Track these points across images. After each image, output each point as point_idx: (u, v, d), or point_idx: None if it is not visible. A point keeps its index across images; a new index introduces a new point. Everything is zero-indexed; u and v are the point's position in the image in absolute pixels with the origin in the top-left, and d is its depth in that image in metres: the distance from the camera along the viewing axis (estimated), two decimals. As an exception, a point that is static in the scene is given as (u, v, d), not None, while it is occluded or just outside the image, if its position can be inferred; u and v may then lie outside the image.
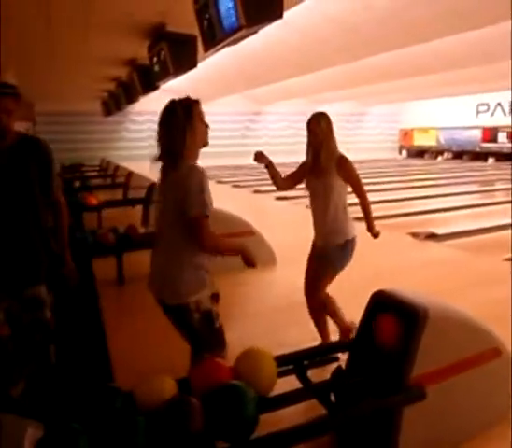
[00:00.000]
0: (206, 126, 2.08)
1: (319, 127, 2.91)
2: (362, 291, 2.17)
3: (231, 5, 3.32)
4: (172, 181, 2.03)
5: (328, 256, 2.94)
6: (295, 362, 1.90)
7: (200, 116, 2.04)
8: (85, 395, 1.57)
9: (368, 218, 3.10)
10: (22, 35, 6.31)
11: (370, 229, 3.12)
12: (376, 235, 3.15)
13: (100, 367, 2.75)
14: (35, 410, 1.55)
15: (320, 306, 2.97)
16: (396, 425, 1.74)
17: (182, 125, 1.99)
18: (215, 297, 2.12)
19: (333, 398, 1.89)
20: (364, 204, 3.11)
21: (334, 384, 1.91)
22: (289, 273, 4.53)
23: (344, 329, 2.97)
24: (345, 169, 2.92)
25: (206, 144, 2.10)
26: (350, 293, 3.56)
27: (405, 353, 1.76)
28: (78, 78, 10.44)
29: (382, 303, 1.96)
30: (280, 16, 3.32)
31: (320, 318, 3.00)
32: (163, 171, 2.10)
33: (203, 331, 2.07)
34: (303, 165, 3.10)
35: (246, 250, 2.06)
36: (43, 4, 4.68)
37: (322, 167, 2.91)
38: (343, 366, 2.02)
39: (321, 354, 2.04)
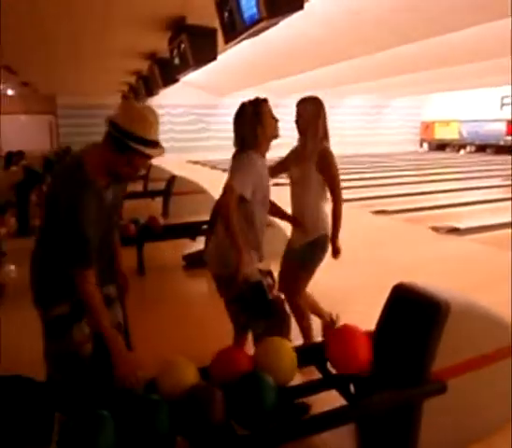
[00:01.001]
0: (276, 120, 2.35)
1: (305, 111, 2.75)
2: (382, 284, 2.16)
3: (252, -4, 3.31)
4: None
5: (300, 255, 2.73)
6: (315, 353, 1.91)
7: (269, 112, 2.33)
8: (109, 382, 1.60)
9: (335, 227, 2.73)
10: (45, 30, 6.38)
11: (333, 241, 2.73)
12: (336, 251, 2.75)
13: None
14: (62, 395, 1.59)
15: (300, 308, 2.79)
16: (416, 418, 1.73)
17: (252, 121, 2.28)
18: (269, 273, 2.28)
19: (352, 389, 1.89)
20: (335, 209, 2.73)
21: (353, 375, 1.91)
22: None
23: (326, 322, 2.94)
24: (324, 162, 2.68)
25: (276, 136, 2.36)
26: (370, 286, 3.56)
27: (426, 346, 1.75)
28: (99, 72, 10.52)
29: (403, 296, 1.95)
30: (301, 7, 3.29)
31: (303, 319, 2.80)
32: (233, 158, 2.36)
33: (255, 302, 2.20)
34: (291, 152, 2.90)
35: (242, 256, 2.12)
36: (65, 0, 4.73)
37: (305, 154, 2.71)
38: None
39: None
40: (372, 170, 13.41)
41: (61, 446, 1.34)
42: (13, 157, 10.01)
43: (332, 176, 2.73)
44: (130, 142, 1.63)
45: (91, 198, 1.64)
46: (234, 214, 2.15)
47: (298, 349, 1.91)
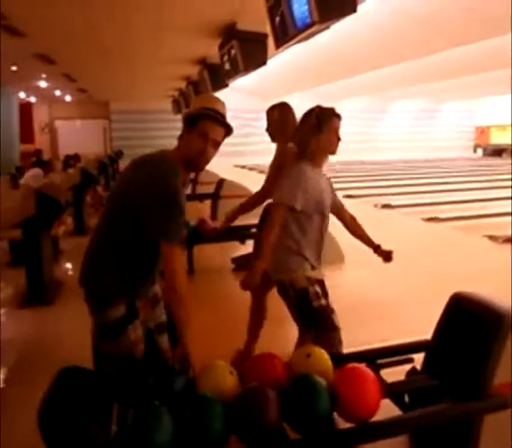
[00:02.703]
0: (338, 139, 2.27)
1: (273, 118, 2.76)
2: (435, 293, 2.08)
3: (304, 0, 3.29)
4: None
5: None
6: (368, 360, 1.85)
7: (333, 127, 2.24)
8: (158, 378, 1.62)
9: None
10: (102, 40, 6.64)
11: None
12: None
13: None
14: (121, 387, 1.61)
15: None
16: (475, 434, 1.65)
17: (310, 132, 2.23)
18: (320, 282, 2.25)
19: (407, 399, 1.83)
20: (242, 208, 2.89)
21: (409, 385, 1.85)
22: (356, 272, 4.48)
23: (247, 352, 2.72)
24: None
25: (332, 152, 2.29)
26: (426, 296, 3.45)
27: (487, 359, 1.67)
28: (151, 78, 10.82)
29: (462, 306, 1.87)
30: (354, 10, 3.25)
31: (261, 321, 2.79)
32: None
33: (300, 308, 2.23)
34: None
35: (257, 264, 2.15)
36: (123, 8, 4.89)
37: (274, 157, 2.77)
38: (418, 367, 1.95)
39: (395, 353, 1.98)
40: (423, 176, 13.05)
41: (119, 438, 1.36)
42: (70, 160, 10.43)
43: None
44: (199, 111, 1.75)
45: (180, 184, 1.74)
46: (277, 225, 2.17)
47: (350, 356, 1.86)
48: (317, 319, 2.19)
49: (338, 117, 2.28)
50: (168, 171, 1.72)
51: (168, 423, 1.38)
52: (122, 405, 1.48)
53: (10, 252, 5.12)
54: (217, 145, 1.79)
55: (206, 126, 1.74)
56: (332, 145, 2.26)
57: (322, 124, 2.21)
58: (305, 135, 2.25)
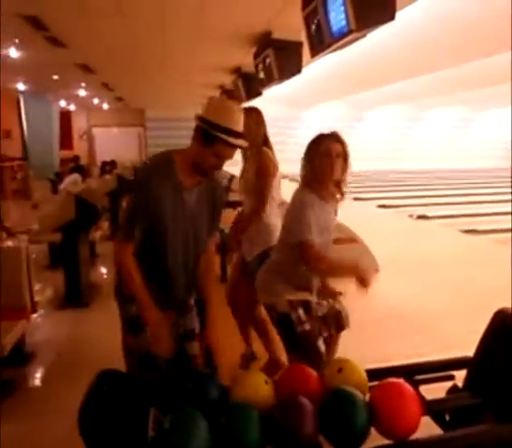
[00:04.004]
0: (331, 162, 2.09)
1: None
2: (477, 309, 2.00)
3: (341, 8, 3.26)
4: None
5: (251, 267, 2.66)
6: (406, 375, 1.78)
7: (322, 151, 2.09)
8: (190, 385, 1.61)
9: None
10: (139, 50, 6.79)
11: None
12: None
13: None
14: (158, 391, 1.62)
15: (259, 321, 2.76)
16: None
17: (306, 157, 2.15)
18: (304, 304, 2.18)
19: (447, 417, 1.76)
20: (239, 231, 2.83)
21: (450, 402, 1.77)
22: (391, 283, 4.39)
23: (273, 359, 2.71)
24: (259, 165, 2.72)
25: (337, 181, 2.14)
26: (464, 310, 3.34)
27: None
28: (186, 86, 10.98)
29: (506, 323, 1.78)
30: (392, 18, 3.20)
31: (265, 332, 2.75)
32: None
33: (282, 332, 2.24)
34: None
35: (360, 270, 2.02)
36: (160, 18, 4.99)
37: (249, 161, 2.76)
38: (459, 385, 1.87)
39: (434, 369, 1.91)
40: (459, 186, 12.75)
41: (156, 443, 1.35)
42: (106, 166, 10.69)
43: (259, 179, 2.73)
44: (216, 132, 1.69)
45: (165, 185, 1.74)
46: (322, 260, 2.09)
47: (386, 370, 1.80)
48: (300, 344, 2.15)
49: (337, 140, 2.12)
50: (148, 166, 1.80)
51: (205, 430, 1.37)
52: (159, 409, 1.47)
53: (49, 255, 5.27)
54: (228, 159, 1.79)
55: (222, 149, 1.72)
56: (331, 169, 2.09)
57: (312, 151, 2.12)
58: (303, 164, 2.17)
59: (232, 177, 9.22)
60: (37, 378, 3.00)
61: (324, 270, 2.14)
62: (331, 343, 2.27)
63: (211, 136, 1.70)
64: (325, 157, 2.09)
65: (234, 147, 1.73)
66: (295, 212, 2.13)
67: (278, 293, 2.19)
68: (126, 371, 1.87)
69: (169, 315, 1.90)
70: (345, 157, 2.12)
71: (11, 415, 2.45)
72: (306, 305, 2.18)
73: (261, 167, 2.72)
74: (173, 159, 1.78)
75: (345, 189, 2.20)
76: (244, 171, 2.91)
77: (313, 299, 2.22)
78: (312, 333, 2.14)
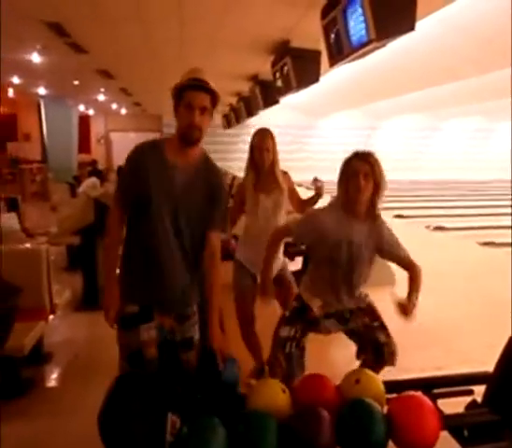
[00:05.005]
0: (358, 184, 2.12)
1: (270, 143, 2.73)
2: (495, 322, 1.98)
3: (361, 18, 3.27)
4: None
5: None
6: (424, 388, 1.76)
7: (350, 172, 2.15)
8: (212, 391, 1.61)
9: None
10: (157, 55, 6.87)
11: None
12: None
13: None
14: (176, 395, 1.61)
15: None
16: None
17: (338, 178, 2.21)
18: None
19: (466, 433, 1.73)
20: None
21: (469, 418, 1.75)
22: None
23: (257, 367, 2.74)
24: (292, 186, 2.87)
25: (365, 201, 2.16)
26: (483, 323, 3.30)
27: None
28: (203, 93, 11.04)
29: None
30: (412, 28, 3.20)
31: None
32: None
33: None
34: (246, 183, 2.85)
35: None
36: (180, 25, 5.05)
37: (275, 182, 2.77)
38: (478, 399, 1.84)
39: (452, 383, 1.88)
40: (476, 198, 12.59)
41: None
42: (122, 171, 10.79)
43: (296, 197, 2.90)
44: (181, 84, 1.80)
45: (152, 158, 1.80)
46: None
47: (404, 383, 1.78)
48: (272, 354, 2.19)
49: (366, 161, 2.11)
50: (138, 145, 1.88)
51: (222, 437, 1.38)
52: (177, 414, 1.47)
53: (68, 257, 5.33)
54: (205, 111, 1.79)
55: (189, 96, 1.77)
56: (356, 194, 2.10)
57: (342, 172, 2.16)
58: (337, 185, 2.20)
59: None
60: (55, 378, 3.05)
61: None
62: (364, 366, 2.18)
63: (179, 92, 1.79)
64: (352, 178, 2.10)
65: (200, 88, 1.78)
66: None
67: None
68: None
69: (166, 319, 1.85)
70: (374, 177, 2.11)
71: (29, 413, 2.51)
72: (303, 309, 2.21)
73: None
74: (162, 141, 1.88)
75: (377, 211, 2.19)
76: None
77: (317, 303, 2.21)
78: (284, 338, 2.14)
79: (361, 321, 2.23)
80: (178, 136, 1.80)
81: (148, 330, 1.80)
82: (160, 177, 1.77)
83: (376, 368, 2.12)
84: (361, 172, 2.08)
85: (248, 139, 2.77)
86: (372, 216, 2.17)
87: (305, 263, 2.53)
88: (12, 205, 6.78)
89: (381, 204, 2.16)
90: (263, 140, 2.69)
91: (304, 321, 2.20)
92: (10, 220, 5.43)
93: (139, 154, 1.82)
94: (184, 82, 1.78)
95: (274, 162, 2.72)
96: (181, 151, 1.82)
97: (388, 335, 2.20)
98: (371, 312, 2.28)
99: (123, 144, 18.13)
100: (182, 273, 1.85)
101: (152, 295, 1.85)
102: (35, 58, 6.93)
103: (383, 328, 2.23)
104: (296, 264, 3.63)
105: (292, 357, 2.09)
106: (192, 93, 1.76)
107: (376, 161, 2.12)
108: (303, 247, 3.10)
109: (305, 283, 2.30)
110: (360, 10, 3.25)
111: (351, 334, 2.28)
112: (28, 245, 4.33)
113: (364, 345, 2.21)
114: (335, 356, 2.68)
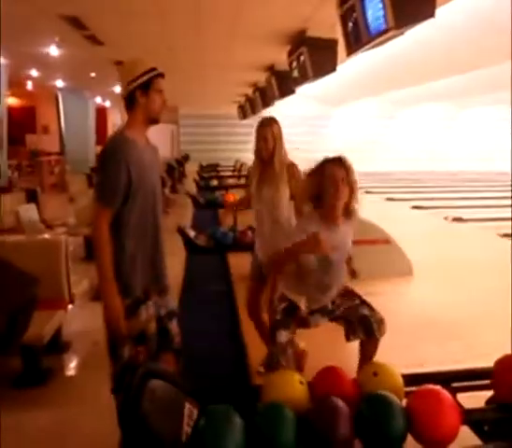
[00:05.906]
0: (336, 190, 2.13)
1: (275, 132, 2.64)
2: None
3: (380, 6, 3.21)
4: None
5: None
6: (443, 382, 1.74)
7: (327, 176, 2.14)
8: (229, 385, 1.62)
9: None
10: (174, 46, 6.84)
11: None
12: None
13: (236, 357, 2.97)
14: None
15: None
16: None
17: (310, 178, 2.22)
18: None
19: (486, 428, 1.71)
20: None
21: (490, 413, 1.72)
22: (425, 286, 4.29)
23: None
24: (295, 176, 2.64)
25: (342, 204, 2.16)
26: (502, 317, 3.24)
27: None
28: (219, 84, 11.02)
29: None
30: (432, 15, 3.13)
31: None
32: None
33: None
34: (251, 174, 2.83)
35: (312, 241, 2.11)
36: (197, 17, 5.02)
37: (275, 173, 2.64)
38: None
39: (472, 377, 1.86)
40: (496, 189, 12.36)
41: (191, 440, 1.36)
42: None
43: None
44: (147, 75, 1.97)
45: (127, 146, 1.90)
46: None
47: (422, 376, 1.77)
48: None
49: (342, 166, 2.11)
50: (116, 139, 1.94)
51: (240, 428, 1.38)
52: (194, 405, 1.48)
53: (85, 248, 5.39)
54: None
55: (159, 82, 2.02)
56: (334, 198, 2.10)
57: (318, 175, 2.15)
58: (307, 185, 2.22)
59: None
60: (74, 367, 3.09)
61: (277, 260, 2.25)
62: (361, 348, 2.22)
63: (146, 82, 1.97)
64: (332, 185, 2.09)
65: (162, 75, 2.02)
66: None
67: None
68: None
69: (155, 296, 1.96)
70: (349, 182, 2.11)
71: (49, 402, 2.55)
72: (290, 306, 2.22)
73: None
74: (122, 131, 1.98)
75: (352, 208, 2.20)
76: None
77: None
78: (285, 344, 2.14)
79: (343, 306, 2.26)
80: (148, 118, 2.03)
81: (146, 310, 1.91)
82: (138, 165, 1.91)
83: (371, 342, 2.15)
84: (339, 178, 2.09)
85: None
86: (349, 216, 2.21)
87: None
88: (32, 197, 6.88)
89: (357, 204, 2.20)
90: (261, 129, 2.65)
91: (295, 320, 2.22)
92: (29, 211, 5.50)
93: (118, 152, 1.89)
94: (151, 74, 1.99)
95: (274, 152, 2.63)
96: (141, 133, 2.03)
97: (371, 308, 2.22)
98: (348, 293, 2.30)
99: (140, 135, 18.24)
100: (165, 249, 2.03)
101: (150, 279, 1.95)
102: (53, 51, 6.97)
103: (364, 303, 2.25)
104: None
105: (290, 358, 2.12)
106: (161, 80, 2.03)
107: (350, 165, 2.14)
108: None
109: (287, 282, 2.27)
110: (378, -2, 3.18)
111: (337, 319, 2.30)
112: (47, 236, 4.39)
113: (352, 325, 2.22)
114: (349, 347, 2.65)
